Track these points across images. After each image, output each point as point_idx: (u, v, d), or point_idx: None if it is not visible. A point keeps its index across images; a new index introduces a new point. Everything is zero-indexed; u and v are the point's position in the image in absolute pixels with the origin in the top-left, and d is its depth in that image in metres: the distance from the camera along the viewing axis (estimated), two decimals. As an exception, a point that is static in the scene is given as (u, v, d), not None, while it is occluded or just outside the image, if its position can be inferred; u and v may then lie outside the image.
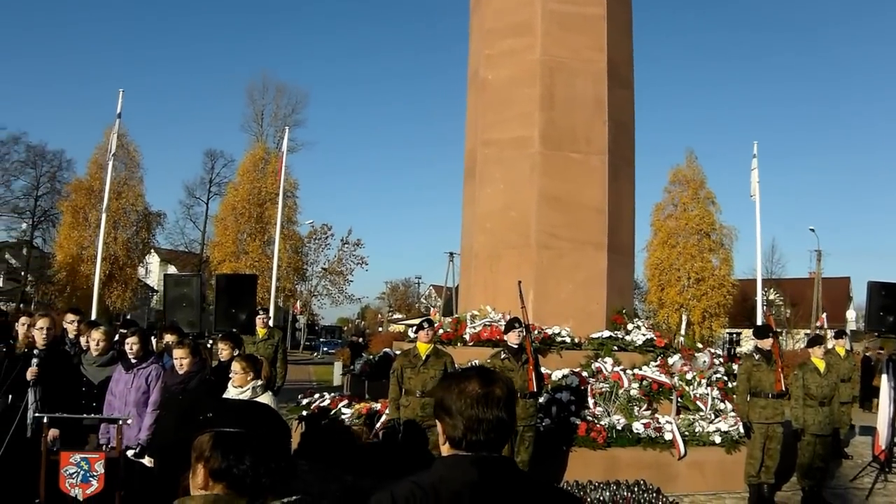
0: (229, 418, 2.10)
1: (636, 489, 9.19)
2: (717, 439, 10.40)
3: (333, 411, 11.88)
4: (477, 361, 11.07)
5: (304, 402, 12.86)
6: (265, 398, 6.78)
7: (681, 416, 10.93)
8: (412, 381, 9.13)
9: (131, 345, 7.54)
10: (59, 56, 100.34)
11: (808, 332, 43.82)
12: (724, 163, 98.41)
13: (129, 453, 7.06)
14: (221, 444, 2.03)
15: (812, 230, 54.51)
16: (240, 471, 2.01)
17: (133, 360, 7.51)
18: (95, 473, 5.97)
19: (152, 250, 56.65)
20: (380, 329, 73.01)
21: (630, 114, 14.55)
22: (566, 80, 13.47)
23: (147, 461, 7.21)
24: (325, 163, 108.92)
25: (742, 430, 10.08)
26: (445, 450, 2.37)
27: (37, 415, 6.75)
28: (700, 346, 14.01)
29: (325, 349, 54.74)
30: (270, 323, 12.69)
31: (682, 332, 25.43)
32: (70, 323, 9.19)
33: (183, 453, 5.94)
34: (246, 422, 2.09)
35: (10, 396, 7.08)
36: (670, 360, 12.05)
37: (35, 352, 7.24)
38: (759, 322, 23.00)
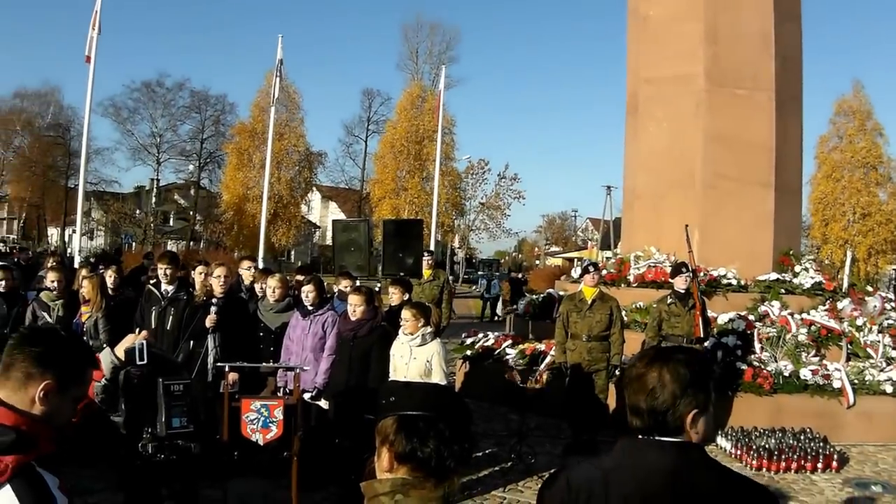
0: (412, 402, 2.15)
1: (802, 437, 9.07)
2: (889, 389, 10.10)
3: (497, 351, 12.12)
4: (642, 303, 11.13)
5: (469, 341, 13.12)
6: (434, 345, 7.09)
7: (850, 363, 10.67)
8: (578, 325, 9.18)
9: (307, 293, 7.89)
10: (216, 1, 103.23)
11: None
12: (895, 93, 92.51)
13: (306, 396, 7.43)
14: (405, 428, 2.09)
15: None
16: (424, 454, 2.07)
17: (310, 307, 7.88)
18: (275, 419, 6.20)
19: (314, 188, 58.31)
20: (537, 262, 73.01)
21: (797, 48, 13.98)
22: (730, 14, 13.03)
23: (323, 403, 7.62)
24: (480, 98, 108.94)
25: (916, 381, 9.79)
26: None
27: (218, 364, 7.15)
28: (870, 289, 13.52)
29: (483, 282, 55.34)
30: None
31: (847, 269, 24.43)
32: (246, 270, 9.66)
33: (356, 397, 6.24)
34: (430, 405, 2.15)
35: (192, 343, 7.57)
36: (839, 305, 11.75)
37: (213, 300, 7.67)
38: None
